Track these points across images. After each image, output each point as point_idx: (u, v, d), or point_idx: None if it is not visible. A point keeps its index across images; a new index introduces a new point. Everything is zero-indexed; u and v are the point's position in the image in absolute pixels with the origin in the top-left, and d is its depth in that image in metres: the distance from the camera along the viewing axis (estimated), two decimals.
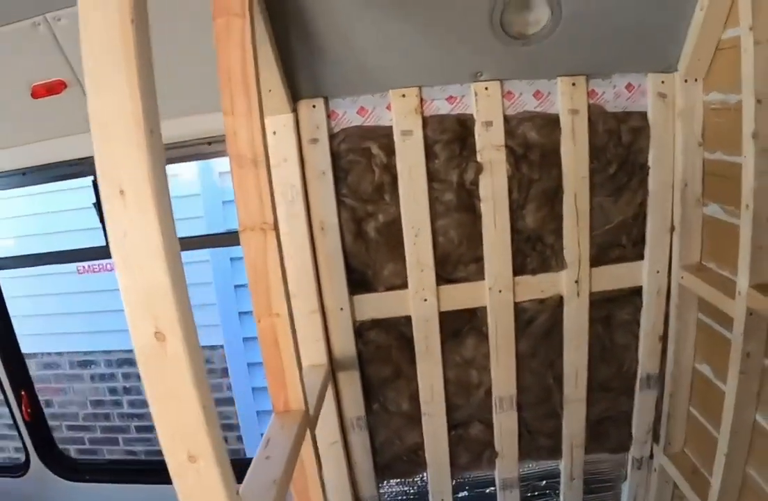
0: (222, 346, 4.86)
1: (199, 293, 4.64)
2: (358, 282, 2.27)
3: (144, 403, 5.11)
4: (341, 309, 2.25)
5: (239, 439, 4.93)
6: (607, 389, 2.56)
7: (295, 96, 2.05)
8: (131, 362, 5.11)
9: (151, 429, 5.01)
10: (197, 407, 1.06)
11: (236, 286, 4.68)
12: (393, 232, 2.23)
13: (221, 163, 4.19)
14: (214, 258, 4.65)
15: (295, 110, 2.07)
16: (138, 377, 4.84)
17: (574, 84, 2.16)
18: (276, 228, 1.67)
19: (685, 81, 2.16)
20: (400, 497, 2.66)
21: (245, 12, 1.59)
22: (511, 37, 1.98)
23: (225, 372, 4.93)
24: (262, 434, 4.53)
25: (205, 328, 4.71)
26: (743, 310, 1.91)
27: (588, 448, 2.63)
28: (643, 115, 2.24)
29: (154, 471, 3.13)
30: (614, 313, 2.47)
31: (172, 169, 4.49)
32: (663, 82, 2.19)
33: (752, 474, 2.08)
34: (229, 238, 2.99)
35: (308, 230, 2.14)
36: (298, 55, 1.96)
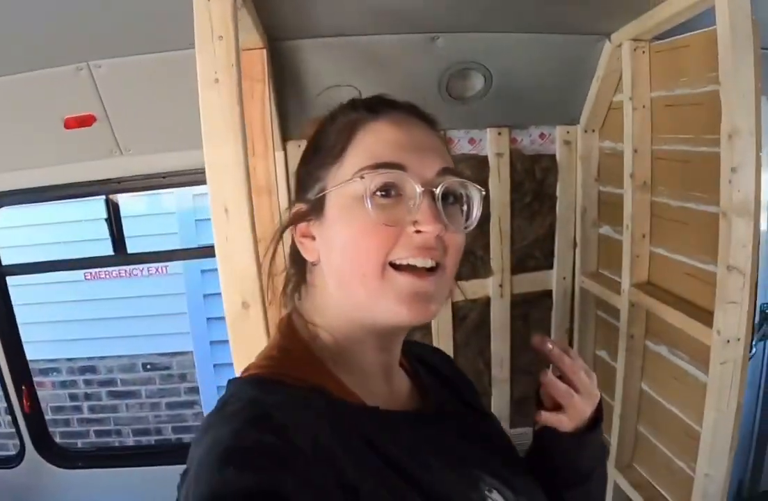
0: (182, 353, 5.00)
1: (174, 303, 4.89)
2: None
3: (103, 409, 5.29)
4: None
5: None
6: (527, 373, 2.89)
7: (284, 138, 2.35)
8: (93, 370, 5.21)
9: (110, 433, 5.17)
10: None
11: (205, 295, 4.88)
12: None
13: (197, 188, 4.40)
14: (187, 271, 4.85)
15: (284, 149, 2.36)
16: (99, 384, 4.96)
17: (499, 133, 2.56)
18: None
19: (585, 132, 2.62)
20: None
21: (265, 79, 1.99)
22: (453, 99, 2.36)
23: (183, 377, 5.07)
24: None
25: (175, 335, 4.97)
26: (626, 303, 2.38)
27: (513, 422, 2.94)
28: (553, 158, 2.67)
29: (146, 454, 3.36)
30: (530, 311, 2.86)
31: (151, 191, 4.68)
32: (568, 132, 2.63)
33: (642, 431, 2.50)
34: (206, 251, 3.30)
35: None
36: (290, 108, 2.27)
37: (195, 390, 5.14)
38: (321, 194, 0.93)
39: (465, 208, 0.97)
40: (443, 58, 2.27)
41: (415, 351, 1.19)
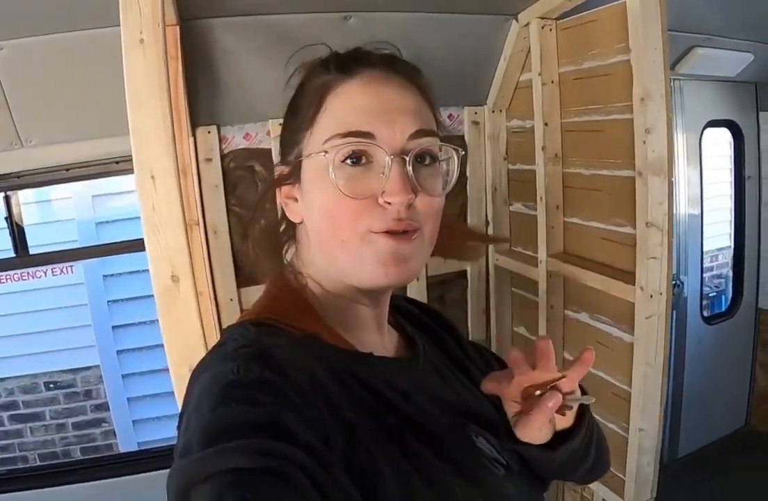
0: (85, 368, 4.74)
1: (75, 316, 4.65)
2: (244, 276, 2.44)
3: (7, 435, 4.92)
4: (231, 299, 2.43)
5: (115, 446, 4.89)
6: None
7: (194, 123, 2.27)
8: None
9: (15, 460, 4.82)
10: (198, 329, 1.50)
11: (109, 302, 4.69)
12: (274, 233, 2.44)
13: (96, 187, 4.30)
14: (88, 279, 4.63)
15: (194, 135, 2.27)
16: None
17: None
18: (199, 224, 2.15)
19: (493, 112, 2.69)
20: None
21: (179, 56, 1.94)
22: None
23: (88, 394, 4.82)
24: (138, 443, 4.50)
25: (78, 349, 4.71)
26: (544, 273, 2.46)
27: None
28: (462, 138, 2.71)
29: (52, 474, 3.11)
30: (446, 293, 2.88)
31: (48, 194, 4.46)
32: (476, 112, 2.69)
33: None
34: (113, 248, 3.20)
35: (204, 234, 2.33)
36: (200, 92, 2.18)
37: (102, 407, 4.89)
38: (298, 159, 0.94)
39: (445, 167, 0.97)
40: (355, 37, 2.17)
41: (402, 307, 1.20)
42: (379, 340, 1.02)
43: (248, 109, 2.32)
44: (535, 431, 0.96)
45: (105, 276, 4.64)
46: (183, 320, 1.50)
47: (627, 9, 1.91)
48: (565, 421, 1.00)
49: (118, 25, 1.40)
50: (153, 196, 1.43)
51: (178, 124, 1.92)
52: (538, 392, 0.93)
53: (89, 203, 4.56)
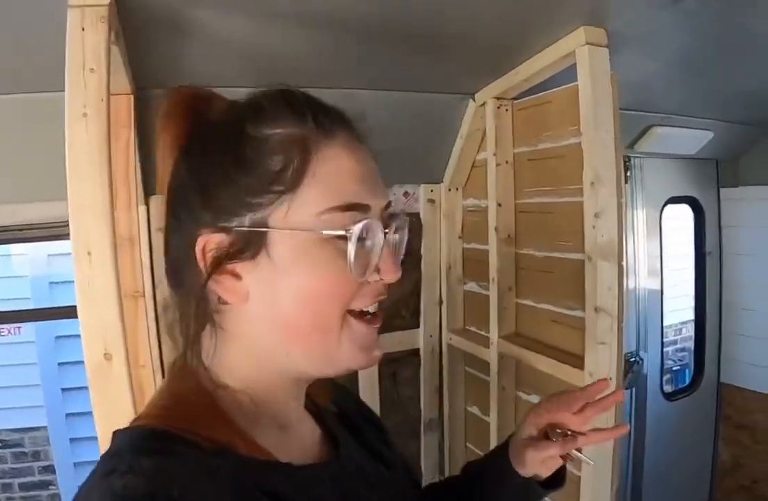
0: (34, 429, 4.54)
1: (23, 374, 4.52)
2: None
3: None
4: None
5: None
6: (398, 434, 2.78)
7: (147, 192, 2.20)
8: None
9: None
10: (131, 409, 1.41)
11: (60, 364, 4.52)
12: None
13: (51, 247, 4.19)
14: (39, 338, 4.49)
15: (147, 203, 2.21)
16: None
17: None
18: (145, 295, 2.05)
19: (449, 190, 2.70)
20: None
21: (131, 125, 1.91)
22: None
23: (36, 455, 4.63)
24: None
25: (28, 409, 4.57)
26: (495, 354, 2.42)
27: None
28: (417, 216, 2.70)
29: None
30: (398, 371, 2.84)
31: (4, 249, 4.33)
32: (432, 190, 2.70)
33: None
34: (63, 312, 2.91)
35: (153, 304, 2.19)
36: (154, 160, 2.18)
37: (50, 469, 4.72)
38: (259, 230, 0.77)
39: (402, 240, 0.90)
40: None
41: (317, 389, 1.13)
42: (298, 440, 0.92)
43: None
44: (541, 459, 1.03)
45: (57, 337, 4.51)
46: (114, 398, 1.43)
47: (579, 91, 1.90)
48: (545, 471, 1.06)
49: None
50: (88, 272, 1.38)
51: (127, 194, 1.98)
52: (559, 430, 1.04)
53: (44, 262, 4.48)
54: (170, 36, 1.67)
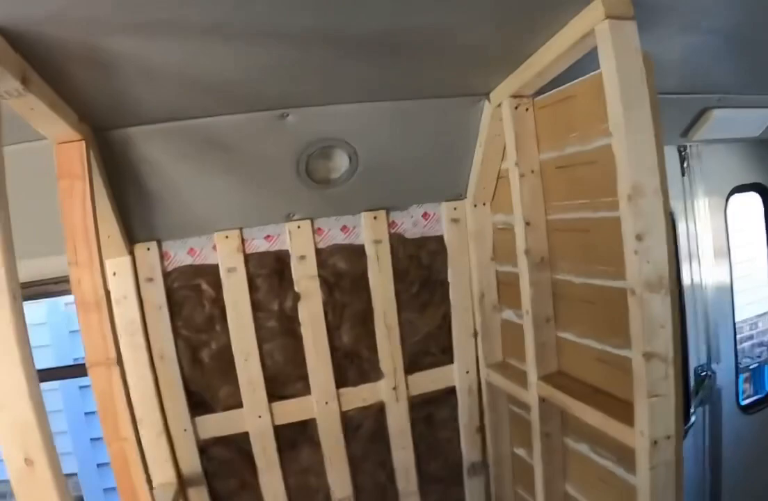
0: (73, 474, 4.47)
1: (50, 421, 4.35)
2: (199, 404, 2.29)
3: None
4: (185, 430, 2.27)
5: None
6: (438, 481, 2.64)
7: (131, 240, 2.13)
8: None
9: None
10: None
11: (86, 413, 4.42)
12: (225, 357, 2.29)
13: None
14: (63, 387, 4.40)
15: (132, 253, 2.14)
16: None
17: (375, 217, 2.33)
18: (120, 362, 1.75)
19: (474, 206, 2.39)
20: None
21: (85, 175, 1.70)
22: (315, 183, 2.13)
23: None
24: None
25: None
26: (535, 398, 2.12)
27: None
28: (440, 239, 2.44)
29: None
30: (434, 412, 2.60)
31: None
32: (455, 208, 2.41)
33: None
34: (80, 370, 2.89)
35: (149, 360, 2.18)
36: (132, 206, 2.03)
37: None
38: None
39: None
40: (297, 137, 2.02)
41: None
42: None
43: (190, 221, 2.18)
44: None
45: (81, 387, 4.41)
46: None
47: (603, 79, 1.52)
48: None
49: None
50: None
51: (88, 251, 1.71)
52: None
53: (62, 310, 4.39)
54: (98, 71, 1.49)
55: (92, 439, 4.41)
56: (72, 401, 4.37)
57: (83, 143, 1.71)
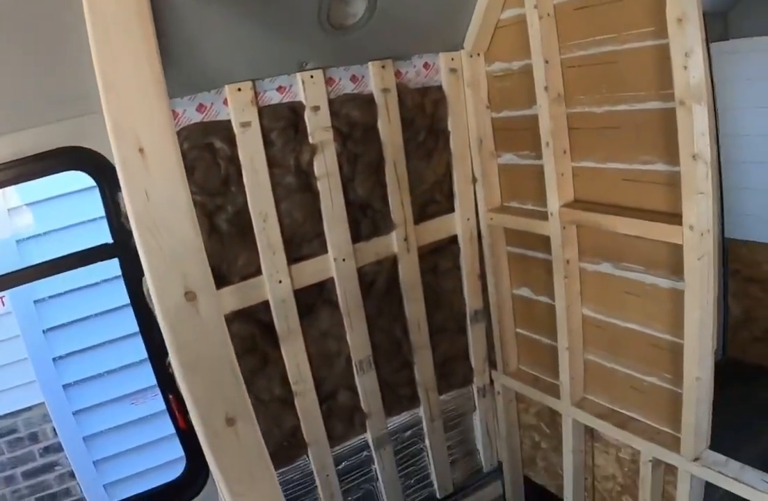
0: (26, 409, 3.97)
1: (7, 351, 3.93)
2: (216, 278, 2.17)
3: None
4: None
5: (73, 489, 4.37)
6: (444, 331, 2.76)
7: None
8: None
9: None
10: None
11: (45, 331, 3.97)
12: (243, 221, 2.21)
13: (9, 199, 3.70)
14: (17, 307, 3.87)
15: None
16: None
17: (383, 66, 2.32)
18: None
19: (471, 56, 2.45)
20: (286, 487, 2.53)
21: None
22: (334, 28, 2.08)
23: (34, 438, 4.14)
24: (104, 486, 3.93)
25: (14, 389, 4.02)
26: (558, 226, 2.27)
27: (440, 389, 2.82)
28: (440, 88, 2.48)
29: None
30: (439, 262, 2.68)
31: None
32: (452, 59, 2.45)
33: (592, 359, 2.41)
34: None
35: None
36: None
37: (51, 449, 4.33)
38: None
39: None
40: None
41: None
42: None
43: (198, 75, 2.02)
44: None
45: (37, 301, 3.94)
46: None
47: None
48: None
49: None
50: (144, 180, 1.12)
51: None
52: None
53: (5, 219, 3.91)
54: None
55: (55, 358, 4.10)
56: (28, 322, 4.01)
57: None
